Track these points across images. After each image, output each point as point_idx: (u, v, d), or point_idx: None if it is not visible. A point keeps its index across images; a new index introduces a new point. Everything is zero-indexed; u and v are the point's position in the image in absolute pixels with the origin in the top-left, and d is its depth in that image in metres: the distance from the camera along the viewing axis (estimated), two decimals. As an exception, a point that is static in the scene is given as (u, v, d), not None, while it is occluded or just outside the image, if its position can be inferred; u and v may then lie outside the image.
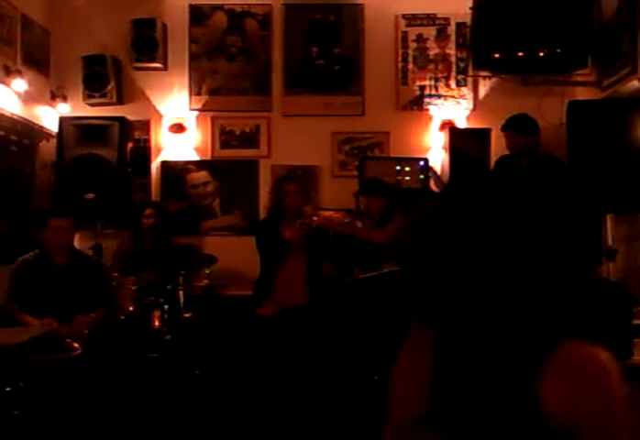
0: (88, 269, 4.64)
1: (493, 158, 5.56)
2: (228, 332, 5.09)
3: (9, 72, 5.26)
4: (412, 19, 6.17)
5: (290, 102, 6.20)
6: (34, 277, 4.50)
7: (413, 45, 6.18)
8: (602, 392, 1.26)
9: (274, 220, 5.05)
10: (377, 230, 4.96)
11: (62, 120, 5.66)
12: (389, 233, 4.79)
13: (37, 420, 3.73)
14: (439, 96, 6.16)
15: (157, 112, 6.19)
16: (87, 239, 5.54)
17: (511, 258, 1.32)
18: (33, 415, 3.72)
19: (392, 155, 6.00)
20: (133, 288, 4.81)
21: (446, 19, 6.17)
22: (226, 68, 6.24)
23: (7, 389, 3.70)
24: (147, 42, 5.94)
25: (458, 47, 6.18)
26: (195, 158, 6.20)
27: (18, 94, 5.41)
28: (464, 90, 6.16)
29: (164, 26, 6.14)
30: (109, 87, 6.00)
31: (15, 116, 5.37)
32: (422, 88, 6.16)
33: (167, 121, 6.17)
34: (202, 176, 6.18)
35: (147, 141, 6.14)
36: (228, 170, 6.17)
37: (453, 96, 6.15)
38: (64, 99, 6.02)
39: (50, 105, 5.98)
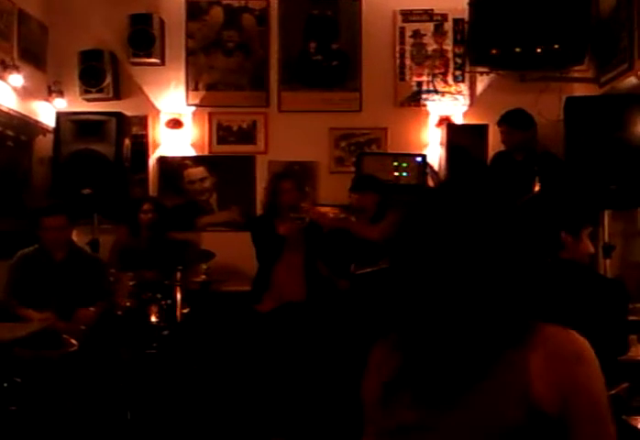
0: (86, 264, 4.65)
1: (491, 154, 5.57)
2: (226, 327, 5.09)
3: (6, 67, 5.24)
4: (409, 15, 6.16)
5: (287, 97, 6.19)
6: (32, 271, 4.51)
7: (410, 41, 6.17)
8: (588, 370, 1.30)
9: (270, 216, 5.05)
10: (371, 226, 4.95)
11: (59, 115, 5.65)
12: (383, 229, 4.77)
13: (34, 415, 3.73)
14: (436, 92, 6.16)
15: (154, 107, 6.17)
16: (84, 234, 5.54)
17: (487, 250, 1.34)
18: (30, 411, 3.72)
19: (390, 151, 5.99)
20: (130, 283, 4.80)
21: (444, 15, 6.16)
22: (224, 63, 6.23)
23: (4, 384, 3.70)
24: (144, 37, 5.92)
25: (456, 43, 6.17)
26: (192, 153, 6.20)
27: (15, 89, 5.39)
28: (461, 86, 6.16)
29: (161, 21, 6.12)
30: (106, 82, 5.98)
31: (11, 112, 5.35)
32: (419, 84, 6.16)
33: (164, 116, 6.16)
34: (199, 172, 6.17)
35: (144, 137, 6.12)
36: (225, 166, 6.16)
37: (450, 92, 6.15)
38: (61, 94, 6.00)
39: (47, 101, 5.96)
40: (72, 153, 5.43)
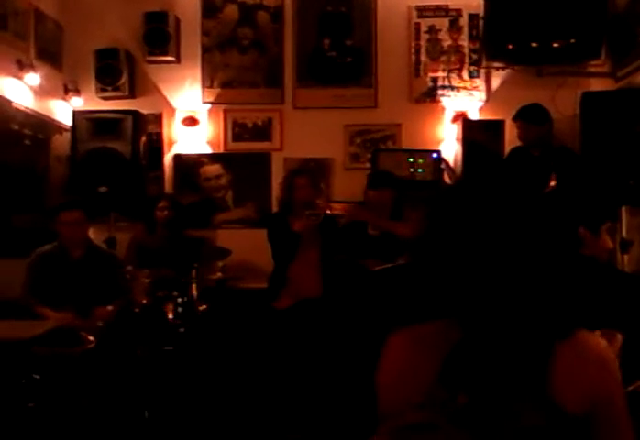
0: (103, 262, 4.68)
1: (507, 149, 5.54)
2: (243, 324, 5.09)
3: (23, 67, 5.28)
4: (424, 10, 6.14)
5: (302, 94, 6.19)
6: (50, 269, 4.54)
7: (425, 36, 6.15)
8: (612, 376, 1.31)
9: (285, 213, 5.05)
10: (401, 223, 4.90)
11: (76, 114, 5.68)
12: (414, 227, 4.73)
13: (52, 413, 3.76)
14: (452, 88, 6.13)
15: (170, 105, 6.19)
16: (101, 232, 5.56)
17: (521, 248, 1.34)
18: (48, 408, 3.75)
19: (405, 147, 5.98)
20: (147, 281, 4.81)
21: (459, 10, 6.13)
22: (238, 61, 6.23)
23: (23, 381, 3.73)
24: (159, 35, 5.94)
25: (471, 38, 6.14)
26: (208, 151, 6.21)
27: (32, 89, 5.43)
28: (477, 81, 6.13)
29: (176, 19, 6.14)
30: (122, 81, 6.01)
31: (29, 110, 5.39)
32: (434, 80, 6.14)
33: (180, 114, 6.18)
34: (215, 169, 6.19)
35: (160, 134, 6.15)
36: (241, 163, 6.18)
37: (466, 88, 6.12)
38: (77, 93, 6.04)
39: (64, 99, 6.00)
40: (89, 151, 5.46)
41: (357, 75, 6.16)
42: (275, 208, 5.52)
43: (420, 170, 5.67)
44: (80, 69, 6.07)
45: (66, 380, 3.89)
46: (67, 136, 5.78)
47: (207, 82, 6.24)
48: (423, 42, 6.15)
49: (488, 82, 6.12)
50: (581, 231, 2.77)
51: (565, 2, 5.20)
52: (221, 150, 6.21)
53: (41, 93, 5.57)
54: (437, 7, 6.14)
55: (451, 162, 5.86)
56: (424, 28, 6.14)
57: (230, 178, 6.18)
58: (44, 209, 5.21)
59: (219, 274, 5.42)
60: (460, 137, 5.65)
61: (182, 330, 4.74)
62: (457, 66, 6.15)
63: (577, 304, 1.37)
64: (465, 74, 6.15)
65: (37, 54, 5.56)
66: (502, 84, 6.05)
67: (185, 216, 5.62)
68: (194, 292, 4.97)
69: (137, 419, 4.10)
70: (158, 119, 6.15)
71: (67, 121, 5.81)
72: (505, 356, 1.31)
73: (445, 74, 6.14)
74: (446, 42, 6.16)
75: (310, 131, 6.08)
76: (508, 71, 5.90)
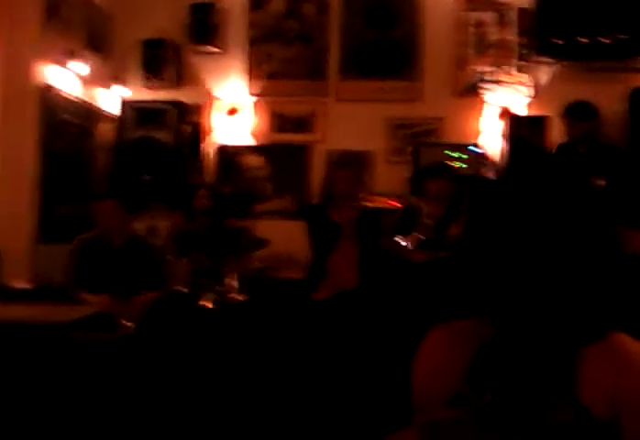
0: (144, 250, 4.72)
1: (552, 146, 5.46)
2: (281, 315, 5.11)
3: (72, 56, 5.36)
4: (472, 3, 6.07)
5: (345, 87, 6.18)
6: (92, 256, 4.60)
7: (472, 30, 6.08)
8: None
9: (325, 205, 5.05)
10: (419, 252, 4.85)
11: (123, 103, 5.76)
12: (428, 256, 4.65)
13: (88, 397, 3.81)
14: (499, 83, 6.05)
15: (214, 96, 6.23)
16: (142, 220, 5.63)
17: (560, 248, 1.32)
18: (84, 393, 3.81)
19: (447, 141, 5.93)
20: (186, 269, 4.86)
21: (508, 4, 6.04)
22: (284, 52, 6.25)
23: (61, 365, 3.80)
24: (205, 26, 5.99)
25: (520, 32, 6.05)
26: (251, 142, 6.24)
27: (80, 77, 5.51)
28: (524, 77, 6.04)
29: (223, 10, 6.17)
30: (168, 71, 6.07)
31: (76, 99, 5.48)
32: (481, 74, 6.06)
33: (224, 105, 6.21)
34: (256, 160, 6.22)
35: (203, 125, 6.19)
36: (282, 155, 6.19)
37: (513, 83, 6.04)
38: (124, 82, 6.12)
39: (111, 89, 6.08)
40: (134, 140, 5.54)
41: (401, 68, 6.12)
42: (314, 200, 5.52)
43: (462, 165, 5.62)
44: (127, 58, 6.15)
45: (103, 366, 3.95)
46: (112, 125, 5.85)
47: (252, 73, 6.26)
48: (469, 36, 6.08)
49: (535, 77, 6.02)
50: (623, 228, 2.72)
51: (615, -3, 5.12)
52: (264, 142, 6.24)
53: (89, 81, 5.65)
54: (486, 1, 6.06)
55: (496, 158, 5.79)
56: (471, 22, 6.07)
57: (271, 169, 6.21)
58: (88, 197, 5.29)
59: (258, 264, 5.44)
60: (506, 132, 5.59)
61: (220, 319, 4.78)
62: (505, 60, 6.07)
63: (613, 306, 1.35)
64: (512, 69, 6.06)
65: (86, 44, 5.64)
66: (550, 80, 5.95)
67: (225, 206, 5.65)
68: (234, 282, 5.00)
69: (173, 406, 4.14)
70: (202, 110, 6.19)
71: (112, 110, 5.88)
72: (533, 355, 1.30)
73: (491, 69, 6.06)
74: (494, 36, 6.08)
75: (352, 124, 6.06)
76: (556, 66, 5.82)
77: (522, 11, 6.00)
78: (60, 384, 3.79)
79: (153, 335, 4.31)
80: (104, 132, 5.88)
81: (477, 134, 5.97)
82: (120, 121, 5.70)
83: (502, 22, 6.07)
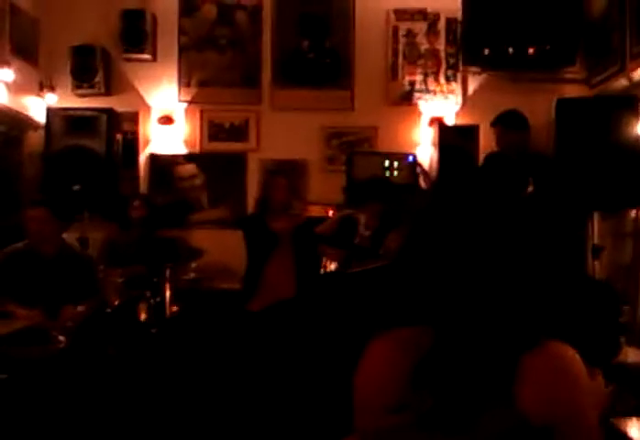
0: (76, 261, 4.61)
1: (481, 155, 5.56)
2: (216, 326, 5.07)
3: (-3, 62, 5.23)
4: (402, 14, 6.16)
5: (279, 95, 6.18)
6: (21, 268, 4.48)
7: (403, 40, 6.16)
8: (577, 393, 1.30)
9: (262, 214, 5.05)
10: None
11: (50, 111, 5.63)
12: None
13: (21, 412, 3.71)
14: (428, 92, 6.15)
15: (145, 103, 6.15)
16: (74, 231, 5.50)
17: (495, 256, 1.34)
18: (17, 408, 3.71)
19: (381, 150, 5.99)
20: (119, 280, 4.78)
21: (437, 14, 6.15)
22: (216, 60, 6.21)
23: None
24: (136, 33, 5.91)
25: (448, 42, 6.17)
26: (184, 150, 6.18)
27: (6, 84, 5.37)
28: (453, 85, 6.16)
29: (153, 17, 6.10)
30: (98, 78, 5.97)
31: (2, 107, 5.33)
32: (412, 83, 6.15)
33: (155, 113, 6.14)
34: (190, 169, 6.16)
35: (135, 133, 6.11)
36: (216, 164, 6.15)
37: (442, 91, 6.15)
38: (52, 89, 5.98)
39: (39, 96, 5.93)
40: (63, 149, 5.42)
41: (334, 77, 6.16)
42: (250, 209, 5.51)
43: (395, 174, 5.69)
44: (55, 65, 6.01)
45: (35, 381, 3.85)
46: (41, 133, 5.72)
47: (184, 80, 6.21)
48: (400, 45, 6.16)
49: (464, 86, 6.15)
50: None
51: (541, 8, 5.25)
52: (197, 150, 6.19)
53: (15, 89, 5.50)
54: (415, 11, 6.15)
55: (426, 166, 5.88)
56: (401, 32, 6.16)
57: (205, 178, 6.16)
58: (17, 207, 5.15)
59: (192, 274, 5.40)
60: (436, 141, 5.67)
61: (154, 331, 4.72)
62: (434, 70, 6.17)
63: (547, 314, 1.38)
64: (441, 78, 6.17)
65: (12, 50, 5.49)
66: (478, 89, 6.09)
67: (159, 216, 5.59)
68: (167, 293, 4.94)
69: (106, 420, 4.06)
70: (133, 118, 6.11)
71: (41, 118, 5.75)
72: (472, 362, 1.31)
73: (421, 78, 6.16)
74: (424, 46, 6.18)
75: (286, 132, 6.07)
76: (484, 75, 5.94)
77: (450, 21, 6.12)
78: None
79: (87, 349, 4.23)
80: (34, 140, 5.74)
81: (411, 143, 6.04)
82: (48, 129, 5.56)
83: (431, 32, 6.18)
